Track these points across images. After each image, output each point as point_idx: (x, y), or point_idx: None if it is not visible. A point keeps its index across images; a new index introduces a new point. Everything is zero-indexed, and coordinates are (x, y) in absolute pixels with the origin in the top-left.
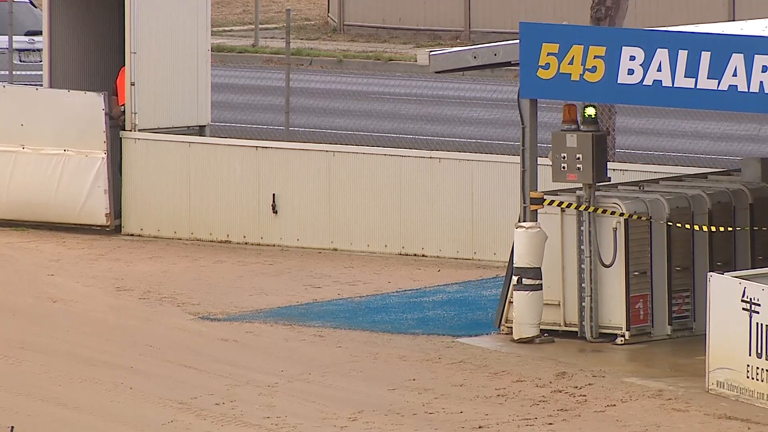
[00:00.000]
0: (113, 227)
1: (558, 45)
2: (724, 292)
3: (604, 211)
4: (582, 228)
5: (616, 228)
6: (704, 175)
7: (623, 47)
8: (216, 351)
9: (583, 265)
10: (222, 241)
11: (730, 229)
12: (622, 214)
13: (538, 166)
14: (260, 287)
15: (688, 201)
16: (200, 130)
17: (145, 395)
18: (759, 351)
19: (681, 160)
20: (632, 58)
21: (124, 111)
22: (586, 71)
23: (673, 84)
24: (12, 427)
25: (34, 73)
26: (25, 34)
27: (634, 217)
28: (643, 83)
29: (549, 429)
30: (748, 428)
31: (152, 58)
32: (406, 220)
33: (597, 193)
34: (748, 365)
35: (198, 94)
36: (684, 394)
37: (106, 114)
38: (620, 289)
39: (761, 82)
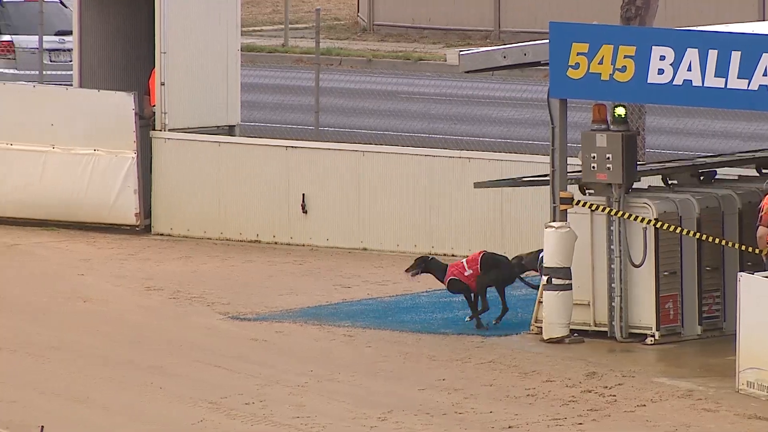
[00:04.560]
0: (143, 227)
1: (588, 45)
2: (754, 292)
3: (636, 218)
4: (612, 228)
5: (645, 228)
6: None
7: (653, 47)
8: (246, 351)
9: (612, 265)
10: (252, 240)
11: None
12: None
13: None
14: (290, 287)
15: (718, 201)
16: (230, 130)
17: (175, 395)
18: None
19: None
20: (662, 57)
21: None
22: (616, 71)
23: (703, 84)
24: (42, 426)
25: (64, 72)
26: (56, 34)
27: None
28: (673, 83)
29: (579, 429)
30: None
31: (182, 58)
32: (436, 220)
33: (626, 193)
34: None
35: (228, 93)
36: (714, 394)
37: (135, 114)
38: (650, 289)
39: None
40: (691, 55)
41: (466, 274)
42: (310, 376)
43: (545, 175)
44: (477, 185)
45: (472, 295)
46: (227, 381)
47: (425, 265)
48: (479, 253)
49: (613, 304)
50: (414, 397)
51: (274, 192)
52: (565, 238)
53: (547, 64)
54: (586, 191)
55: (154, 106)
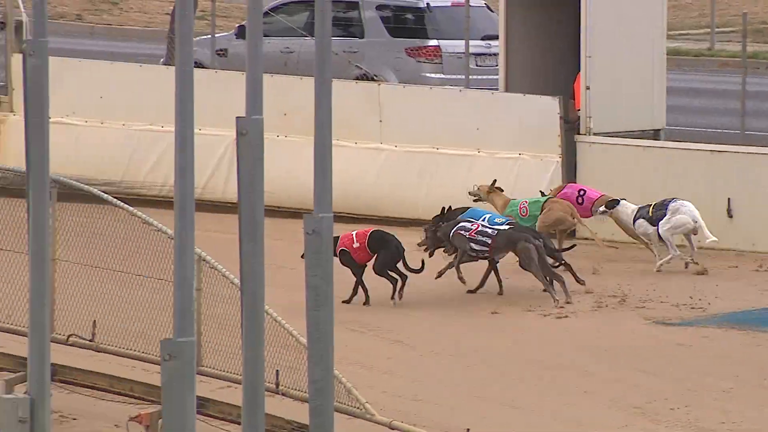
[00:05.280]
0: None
1: None
2: None
3: None
4: None
5: None
6: None
7: None
8: (671, 355)
9: None
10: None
11: None
12: None
13: None
14: (715, 292)
15: None
16: (654, 134)
17: (599, 399)
18: None
19: None
20: None
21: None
22: None
23: None
24: (468, 429)
25: (489, 77)
26: (482, 39)
27: None
28: None
29: None
30: None
31: (607, 62)
32: None
33: None
34: None
35: (653, 98)
36: None
37: (560, 118)
38: None
39: None
40: None
41: (354, 246)
42: (736, 381)
43: None
44: None
45: (360, 271)
46: (652, 385)
47: None
48: (369, 230)
49: None
50: None
51: (699, 195)
52: None
53: None
54: None
55: (578, 110)
